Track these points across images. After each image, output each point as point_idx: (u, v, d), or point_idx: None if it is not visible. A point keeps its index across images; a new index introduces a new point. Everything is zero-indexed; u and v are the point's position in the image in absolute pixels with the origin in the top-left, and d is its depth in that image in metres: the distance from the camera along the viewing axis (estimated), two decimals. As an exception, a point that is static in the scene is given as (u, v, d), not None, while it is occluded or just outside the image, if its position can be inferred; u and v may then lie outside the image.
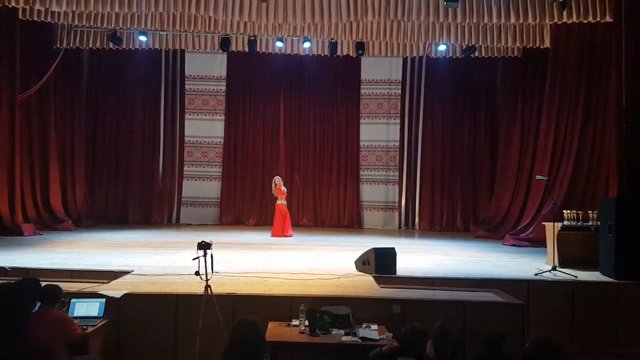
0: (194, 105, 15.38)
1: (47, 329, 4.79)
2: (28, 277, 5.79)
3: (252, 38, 13.22)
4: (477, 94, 14.99)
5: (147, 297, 6.34)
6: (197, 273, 5.65)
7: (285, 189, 12.96)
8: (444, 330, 5.02)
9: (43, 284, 5.26)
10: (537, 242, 10.80)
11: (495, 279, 7.55)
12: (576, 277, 7.68)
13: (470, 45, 12.74)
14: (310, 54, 13.96)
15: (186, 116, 15.33)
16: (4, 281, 6.46)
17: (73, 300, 5.76)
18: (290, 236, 12.57)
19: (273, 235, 12.53)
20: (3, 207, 11.45)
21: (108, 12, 10.89)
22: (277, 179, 13.02)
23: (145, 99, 15.12)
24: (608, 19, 9.66)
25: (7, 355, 4.50)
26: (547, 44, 12.07)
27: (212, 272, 5.78)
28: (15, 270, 7.24)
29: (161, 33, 13.37)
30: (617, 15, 8.86)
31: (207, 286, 5.71)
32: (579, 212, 8.95)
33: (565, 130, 11.56)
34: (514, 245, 11.46)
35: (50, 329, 4.81)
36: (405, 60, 15.12)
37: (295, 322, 5.81)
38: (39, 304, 5.06)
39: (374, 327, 5.74)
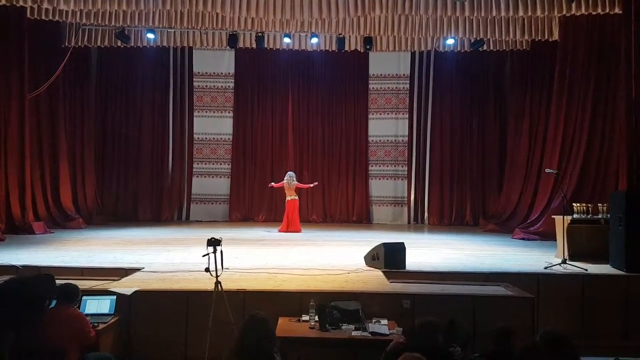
0: (202, 103, 15.41)
1: (63, 328, 4.83)
2: (44, 273, 5.84)
3: (260, 34, 13.22)
4: (486, 88, 14.93)
5: (157, 294, 6.38)
6: (207, 269, 5.68)
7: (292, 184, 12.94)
8: (453, 324, 5.02)
9: (56, 282, 5.31)
10: (547, 236, 10.75)
11: (505, 273, 7.54)
12: (586, 270, 7.66)
13: (478, 38, 12.67)
14: (318, 50, 13.96)
15: (195, 113, 15.37)
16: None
17: (84, 297, 5.81)
18: (299, 231, 12.64)
19: (291, 230, 12.63)
20: (14, 205, 11.52)
21: (116, 10, 10.89)
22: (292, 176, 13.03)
23: (153, 96, 15.16)
24: (617, 10, 9.60)
25: (22, 347, 4.56)
26: (555, 36, 11.99)
27: (222, 268, 5.79)
28: (27, 269, 7.30)
29: (169, 30, 13.41)
30: (627, 6, 8.82)
31: (217, 282, 5.73)
32: (589, 205, 8.89)
33: (574, 123, 11.50)
34: (523, 238, 11.43)
35: (66, 328, 4.85)
36: (413, 54, 15.08)
37: (305, 317, 5.84)
38: (54, 301, 5.11)
39: (384, 322, 5.76)
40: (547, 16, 10.77)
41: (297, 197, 12.92)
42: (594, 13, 10.03)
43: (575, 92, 11.50)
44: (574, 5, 9.73)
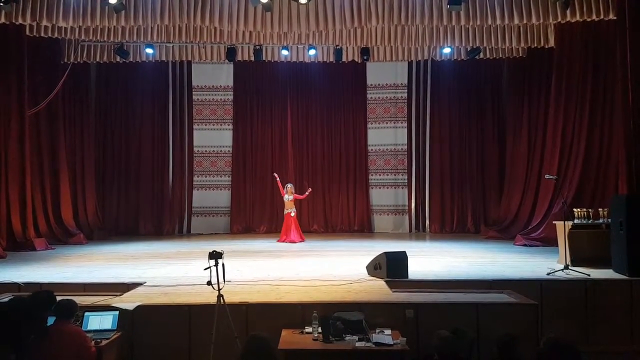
0: (202, 116, 15.45)
1: (62, 344, 4.82)
2: (42, 290, 5.83)
3: (258, 47, 13.26)
4: (483, 95, 14.95)
5: (160, 308, 6.38)
6: (209, 283, 5.69)
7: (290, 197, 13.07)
8: (457, 333, 5.02)
9: (57, 298, 5.30)
10: (549, 242, 10.77)
11: (507, 280, 7.54)
12: (589, 275, 7.65)
13: (474, 47, 12.75)
14: (316, 61, 14.01)
15: (194, 126, 15.40)
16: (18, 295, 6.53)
17: (86, 313, 5.81)
18: (302, 241, 12.78)
19: (294, 240, 12.74)
20: (15, 222, 11.52)
21: (114, 26, 10.95)
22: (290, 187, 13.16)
23: (153, 110, 15.20)
24: (611, 16, 9.65)
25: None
26: (551, 43, 12.02)
27: (224, 281, 5.79)
28: (29, 286, 7.29)
29: (167, 45, 13.48)
30: (621, 12, 8.86)
31: (220, 296, 5.74)
32: (589, 210, 8.90)
33: (572, 128, 11.53)
34: (525, 245, 11.41)
35: (65, 344, 4.84)
36: (410, 64, 15.12)
37: (308, 329, 5.83)
38: (54, 318, 5.10)
39: (388, 332, 5.74)
40: (542, 23, 10.78)
41: (294, 211, 12.98)
42: (589, 19, 10.09)
43: (572, 97, 11.53)
44: (568, 12, 9.77)
